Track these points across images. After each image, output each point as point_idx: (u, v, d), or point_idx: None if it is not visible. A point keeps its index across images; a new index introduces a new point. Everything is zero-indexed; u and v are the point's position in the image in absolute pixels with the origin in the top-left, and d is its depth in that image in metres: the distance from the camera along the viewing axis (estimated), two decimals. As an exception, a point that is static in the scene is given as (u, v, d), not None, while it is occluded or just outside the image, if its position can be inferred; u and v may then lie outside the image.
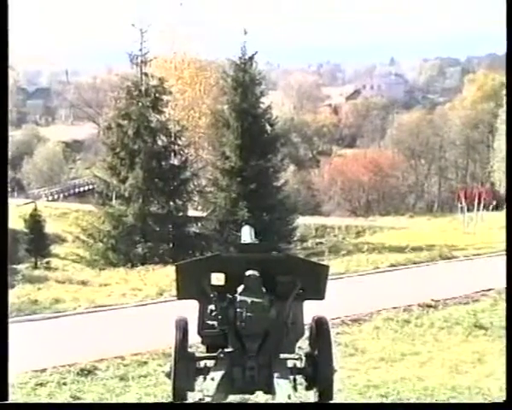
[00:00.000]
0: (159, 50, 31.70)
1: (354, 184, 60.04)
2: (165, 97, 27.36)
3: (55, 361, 9.35)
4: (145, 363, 9.47)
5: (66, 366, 9.20)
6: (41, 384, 8.64)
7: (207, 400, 3.53)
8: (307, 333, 4.25)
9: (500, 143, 47.75)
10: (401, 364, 9.47)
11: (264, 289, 3.92)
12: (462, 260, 18.64)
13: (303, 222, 36.02)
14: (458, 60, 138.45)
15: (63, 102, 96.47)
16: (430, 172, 65.64)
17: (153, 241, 24.98)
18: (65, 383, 8.69)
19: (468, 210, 36.84)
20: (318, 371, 4.00)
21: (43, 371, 9.05)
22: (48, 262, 26.49)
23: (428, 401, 7.76)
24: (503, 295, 12.69)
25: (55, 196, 56.47)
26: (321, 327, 4.13)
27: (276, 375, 3.80)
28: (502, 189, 45.54)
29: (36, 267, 25.10)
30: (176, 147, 27.26)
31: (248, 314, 3.84)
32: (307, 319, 4.32)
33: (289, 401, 3.50)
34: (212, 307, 4.00)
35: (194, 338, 4.11)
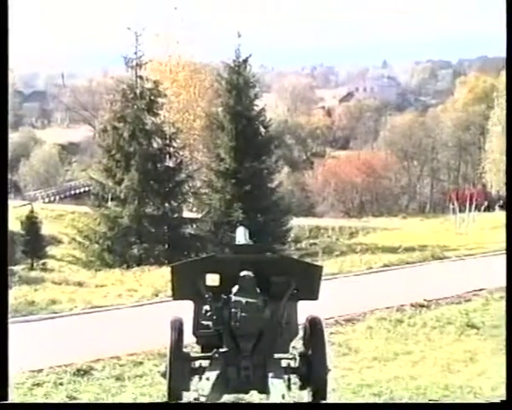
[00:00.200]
0: (154, 53, 31.69)
1: (347, 186, 60.14)
2: (160, 100, 27.44)
3: (51, 362, 9.39)
4: (141, 363, 9.52)
5: (62, 367, 9.24)
6: (37, 384, 8.67)
7: (202, 399, 3.59)
8: (301, 333, 4.33)
9: (491, 144, 47.90)
10: (394, 363, 9.54)
11: (258, 290, 3.98)
12: (455, 260, 18.71)
13: (297, 223, 36.11)
14: (450, 62, 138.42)
15: (59, 104, 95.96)
16: (422, 173, 65.78)
17: (148, 242, 25.03)
18: (61, 384, 8.73)
19: (460, 211, 37.03)
20: (312, 370, 4.07)
21: (40, 371, 9.09)
22: (44, 263, 26.52)
23: (421, 399, 7.83)
24: (495, 295, 12.81)
25: (52, 198, 56.52)
26: (315, 327, 4.20)
27: (270, 375, 3.86)
28: (493, 190, 45.72)
29: (32, 269, 25.13)
30: (171, 149, 27.36)
31: (243, 314, 3.90)
32: (301, 319, 4.39)
33: (283, 401, 3.57)
34: (206, 307, 4.07)
35: (189, 338, 4.18)
